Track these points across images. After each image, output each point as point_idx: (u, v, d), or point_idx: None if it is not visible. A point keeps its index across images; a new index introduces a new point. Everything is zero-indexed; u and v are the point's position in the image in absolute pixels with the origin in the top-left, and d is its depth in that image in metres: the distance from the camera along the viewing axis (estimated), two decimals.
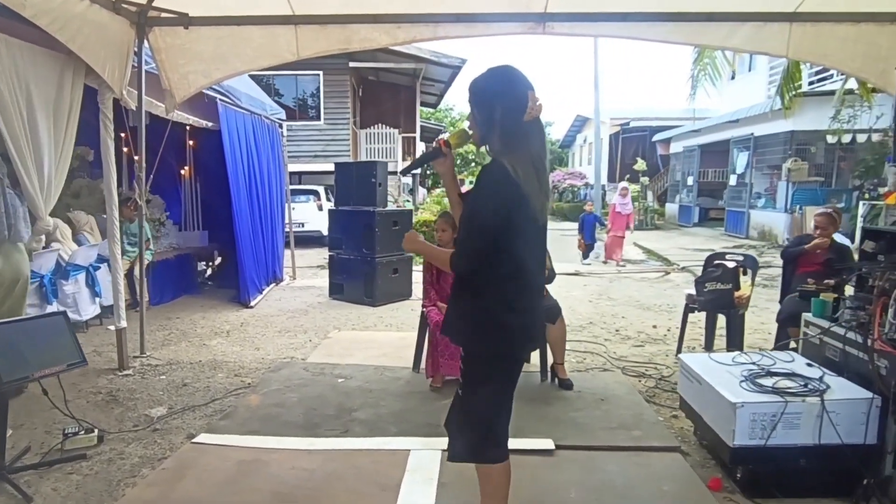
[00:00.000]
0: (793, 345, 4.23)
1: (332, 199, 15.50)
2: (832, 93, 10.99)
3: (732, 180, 15.15)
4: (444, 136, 2.25)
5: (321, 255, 11.84)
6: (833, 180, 12.85)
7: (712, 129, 15.81)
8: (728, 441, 2.62)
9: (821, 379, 2.76)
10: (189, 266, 7.94)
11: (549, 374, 4.20)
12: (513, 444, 3.03)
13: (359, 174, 7.34)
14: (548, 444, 3.11)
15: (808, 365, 2.99)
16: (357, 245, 7.13)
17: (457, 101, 40.11)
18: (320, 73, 16.22)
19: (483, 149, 2.09)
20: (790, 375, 2.83)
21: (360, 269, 7.05)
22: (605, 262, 10.75)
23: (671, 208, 19.68)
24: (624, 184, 12.20)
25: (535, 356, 4.50)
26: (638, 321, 6.07)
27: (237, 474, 2.85)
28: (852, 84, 9.67)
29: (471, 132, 2.05)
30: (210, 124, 6.75)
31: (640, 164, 20.43)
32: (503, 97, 1.91)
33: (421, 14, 4.75)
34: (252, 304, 6.86)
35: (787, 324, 4.23)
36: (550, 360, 4.19)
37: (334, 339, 5.36)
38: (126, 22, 4.36)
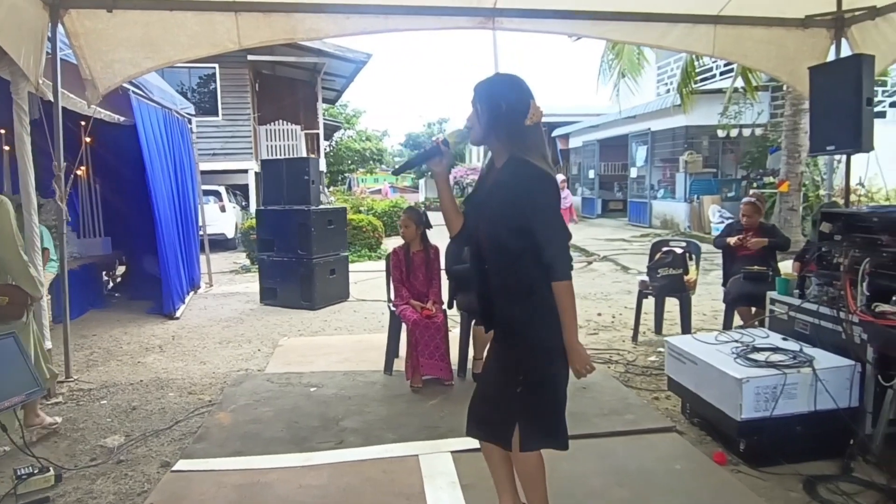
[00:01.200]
0: (738, 322, 4.62)
1: (235, 200, 14.91)
2: (721, 91, 12.09)
3: (633, 173, 16.22)
4: (442, 134, 2.19)
5: (228, 259, 11.16)
6: (720, 172, 14.13)
7: (611, 125, 16.79)
8: (735, 415, 2.77)
9: (801, 351, 2.99)
10: (93, 277, 7.13)
11: None
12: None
13: (290, 172, 6.96)
14: None
15: (784, 339, 3.23)
16: (291, 246, 6.76)
17: (352, 97, 39.48)
18: (216, 65, 15.22)
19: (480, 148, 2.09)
20: (775, 350, 3.04)
21: (296, 272, 6.70)
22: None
23: (574, 201, 20.64)
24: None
25: None
26: (581, 310, 6.22)
27: (241, 500, 2.58)
28: (739, 83, 10.71)
29: (469, 131, 2.05)
30: (122, 119, 6.09)
31: None
32: (508, 99, 1.97)
33: (371, 5, 4.58)
34: (177, 314, 6.29)
35: (736, 304, 4.57)
36: None
37: (286, 346, 5.04)
38: (40, 4, 3.81)
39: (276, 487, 2.69)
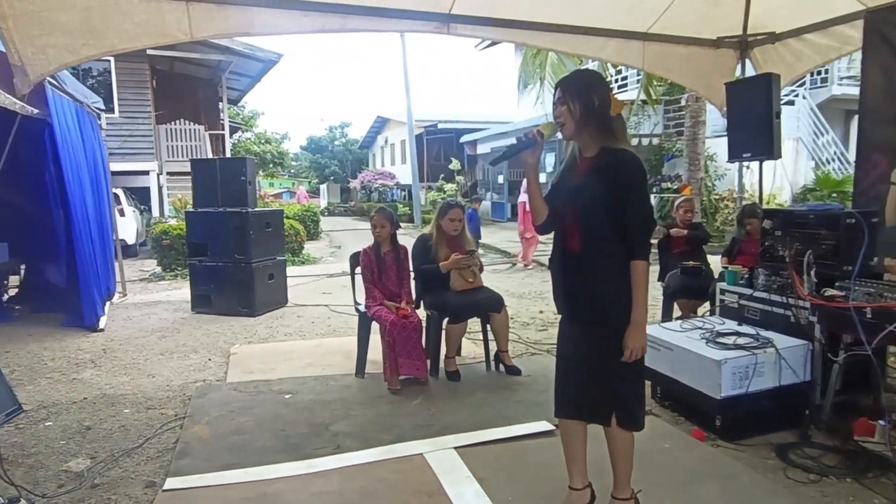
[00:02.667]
0: (678, 313, 5.03)
1: (134, 204, 13.79)
2: (624, 102, 13.00)
3: (542, 178, 16.93)
4: (537, 126, 2.28)
5: (132, 267, 10.34)
6: None
7: (518, 132, 17.38)
8: (715, 394, 3.05)
9: (759, 335, 3.35)
10: None
11: (493, 363, 4.34)
12: (513, 430, 3.18)
13: (224, 172, 6.61)
14: (545, 425, 3.24)
15: (740, 325, 3.60)
16: (226, 250, 6.43)
17: (249, 97, 37.91)
18: (111, 57, 14.03)
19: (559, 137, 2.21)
20: (738, 334, 3.38)
21: (233, 277, 6.38)
22: (525, 266, 10.06)
23: (483, 205, 21.21)
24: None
25: (477, 347, 4.63)
26: (523, 309, 6.53)
27: None
28: (642, 95, 11.60)
29: (562, 128, 2.16)
30: (36, 112, 5.48)
31: (455, 164, 21.63)
32: (599, 93, 2.11)
33: (331, 3, 4.50)
34: (101, 326, 5.76)
35: (676, 297, 4.98)
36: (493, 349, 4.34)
37: (241, 354, 4.80)
38: None
39: (286, 497, 2.59)
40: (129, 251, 12.25)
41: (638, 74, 12.56)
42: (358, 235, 16.99)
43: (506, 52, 24.89)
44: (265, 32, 4.61)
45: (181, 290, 7.83)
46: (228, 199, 6.52)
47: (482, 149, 21.94)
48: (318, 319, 6.09)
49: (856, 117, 4.76)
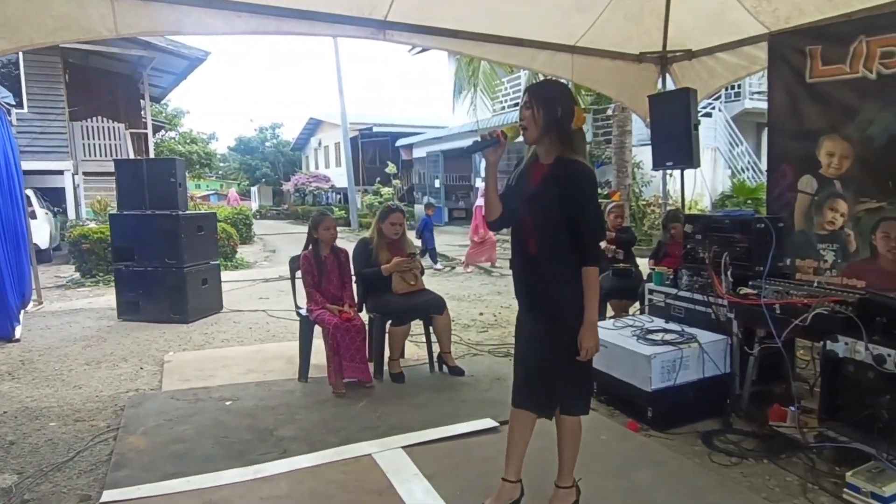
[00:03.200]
0: (610, 313, 5.29)
1: (47, 206, 12.92)
2: None
3: (478, 183, 17.25)
4: (501, 127, 2.39)
5: (46, 272, 9.69)
6: None
7: (454, 137, 17.68)
8: (646, 387, 3.26)
9: (683, 331, 3.61)
10: None
11: (436, 364, 4.42)
12: (458, 428, 3.28)
13: (151, 174, 6.35)
14: (489, 422, 3.35)
15: (667, 322, 3.85)
16: (156, 254, 6.19)
17: (173, 95, 36.29)
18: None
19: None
20: (665, 331, 3.62)
21: (164, 283, 6.14)
22: (466, 269, 10.01)
23: (420, 209, 21.28)
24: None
25: (420, 350, 4.68)
26: (464, 311, 6.64)
27: None
28: None
29: (524, 132, 2.29)
30: None
31: (392, 168, 21.60)
32: (563, 104, 2.24)
33: (264, 6, 4.44)
34: (17, 336, 5.41)
35: (609, 297, 5.23)
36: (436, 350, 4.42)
37: (176, 362, 4.64)
38: None
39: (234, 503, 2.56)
40: (42, 256, 11.44)
41: (567, 83, 13.06)
42: (293, 239, 16.65)
43: (440, 58, 25.19)
44: (195, 32, 4.48)
45: (105, 297, 7.45)
46: (157, 202, 6.27)
47: (418, 153, 22.05)
48: (256, 325, 5.96)
49: (766, 130, 5.17)
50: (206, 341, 5.37)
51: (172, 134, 34.80)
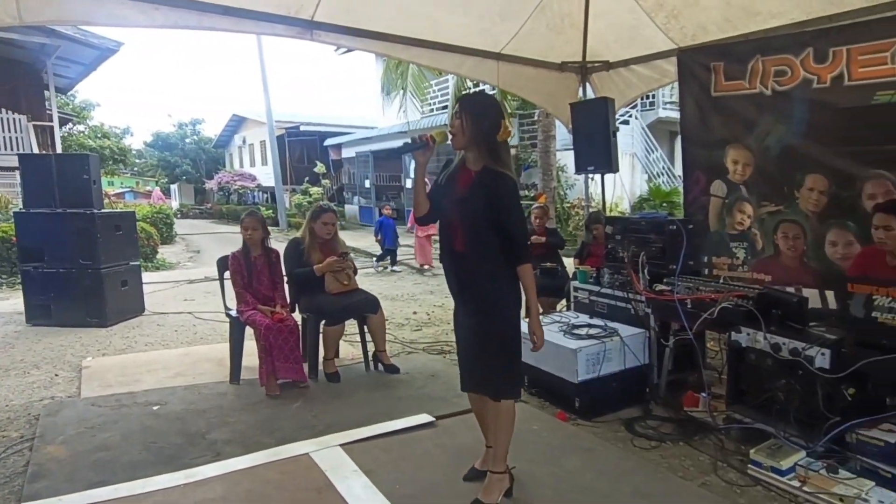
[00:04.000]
0: (539, 310, 5.50)
1: None
2: None
3: (408, 184, 17.27)
4: (432, 132, 2.49)
5: None
6: None
7: (384, 138, 17.64)
8: (573, 379, 3.45)
9: (606, 326, 3.83)
10: None
11: (371, 363, 4.45)
12: (395, 424, 3.36)
13: (62, 170, 6.00)
14: (426, 418, 3.43)
15: (591, 317, 4.07)
16: (69, 255, 5.86)
17: (82, 86, 33.99)
18: None
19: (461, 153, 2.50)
20: (589, 326, 3.83)
21: (79, 285, 5.83)
22: (422, 268, 9.86)
23: (351, 209, 21.09)
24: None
25: (355, 349, 4.69)
26: (397, 310, 6.70)
27: None
28: None
29: (452, 139, 2.43)
30: None
31: (320, 167, 21.25)
32: (490, 117, 2.40)
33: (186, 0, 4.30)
34: None
35: (537, 295, 5.44)
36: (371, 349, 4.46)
37: (96, 368, 4.42)
38: None
39: None
40: None
41: (493, 89, 13.40)
42: (218, 239, 16.11)
43: (367, 58, 25.03)
44: (109, 23, 4.27)
45: (10, 301, 6.96)
46: (69, 200, 5.94)
47: (347, 153, 21.82)
48: (183, 327, 5.76)
49: (679, 137, 5.56)
50: (127, 345, 5.14)
51: (81, 127, 32.59)
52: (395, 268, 10.23)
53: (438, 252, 2.63)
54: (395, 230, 10.39)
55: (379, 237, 10.32)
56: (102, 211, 6.14)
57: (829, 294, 3.89)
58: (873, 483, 2.47)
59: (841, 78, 3.83)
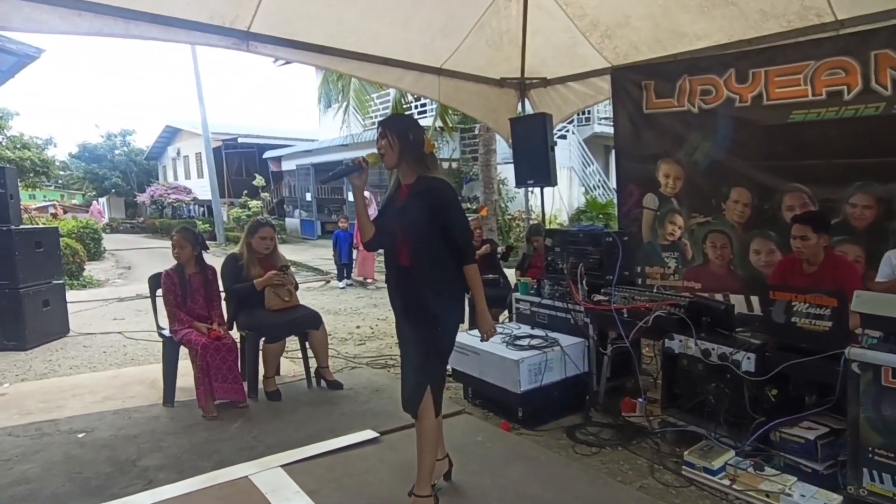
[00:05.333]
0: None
1: None
2: (426, 128, 13.82)
3: (350, 197, 17.12)
4: (363, 155, 2.51)
5: None
6: None
7: (326, 151, 17.45)
8: (515, 389, 3.49)
9: (547, 336, 3.91)
10: None
11: (313, 379, 4.36)
12: (338, 442, 3.32)
13: None
14: (369, 434, 3.39)
15: (533, 328, 4.15)
16: None
17: (4, 95, 31.94)
18: None
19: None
20: (531, 336, 3.90)
21: None
22: (364, 281, 9.74)
23: (292, 223, 20.68)
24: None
25: (297, 366, 4.59)
26: (340, 325, 6.60)
27: None
28: (439, 122, 12.48)
29: (383, 158, 2.49)
30: None
31: (259, 180, 20.75)
32: (414, 132, 2.51)
33: (111, 6, 4.12)
34: None
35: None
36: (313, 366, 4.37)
37: (14, 394, 4.14)
38: None
39: None
40: None
41: (433, 103, 13.52)
42: (151, 254, 15.43)
43: (307, 70, 24.74)
44: (27, 29, 4.02)
45: None
46: None
47: (287, 165, 21.42)
48: (112, 348, 5.47)
49: (613, 152, 5.77)
50: (50, 369, 4.83)
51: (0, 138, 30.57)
52: (345, 281, 9.92)
53: (385, 268, 2.62)
54: (351, 244, 10.03)
55: (336, 252, 9.94)
56: (21, 227, 5.78)
57: (754, 299, 4.13)
58: (795, 478, 2.62)
59: (760, 97, 4.11)
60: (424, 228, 2.41)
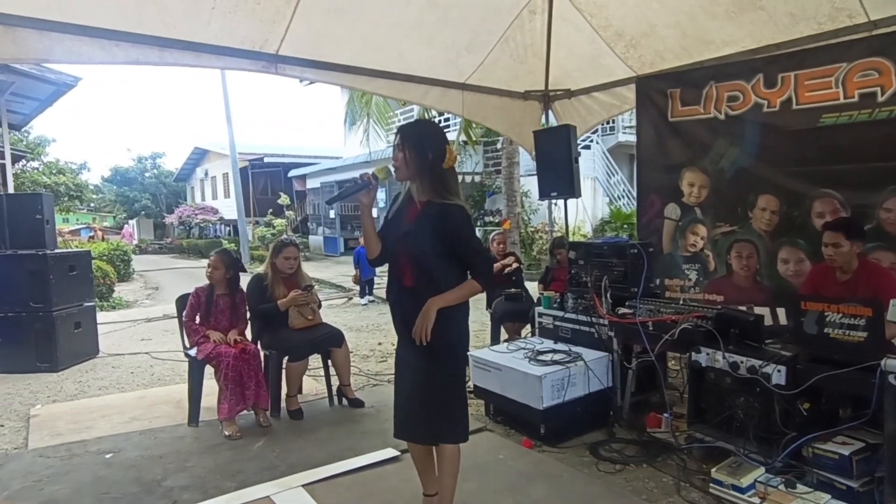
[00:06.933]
0: (505, 336, 5.51)
1: None
2: (450, 142, 13.89)
3: (374, 213, 17.24)
4: (371, 170, 2.43)
5: None
6: None
7: (349, 168, 17.64)
8: (538, 405, 3.44)
9: (570, 350, 3.85)
10: None
11: (335, 397, 4.37)
12: (360, 461, 3.30)
13: (13, 210, 5.77)
14: (391, 452, 3.36)
15: (555, 343, 4.09)
16: (19, 298, 5.60)
17: (42, 122, 33.08)
18: None
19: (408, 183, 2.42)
20: (554, 352, 3.85)
21: (28, 328, 5.57)
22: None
23: (315, 240, 20.92)
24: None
25: (319, 384, 4.60)
26: (363, 342, 6.61)
27: None
28: (463, 137, 12.54)
29: (395, 172, 2.37)
30: None
31: (284, 199, 21.07)
32: (434, 147, 2.33)
33: (147, 35, 4.26)
34: None
35: (503, 321, 5.46)
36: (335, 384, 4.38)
37: (45, 416, 4.21)
38: None
39: None
40: None
41: (456, 117, 13.58)
42: (178, 274, 15.73)
43: (332, 88, 25.10)
44: (68, 61, 4.19)
45: None
46: (20, 240, 5.72)
47: (312, 183, 21.73)
48: (139, 369, 5.56)
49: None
50: (80, 390, 4.93)
51: (36, 164, 31.68)
52: (369, 297, 9.90)
53: (387, 283, 2.52)
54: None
55: (358, 268, 9.80)
56: (55, 251, 5.94)
57: (781, 311, 4.00)
58: (829, 496, 2.51)
59: (789, 102, 4.01)
60: (430, 255, 2.29)
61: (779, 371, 2.78)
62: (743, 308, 3.94)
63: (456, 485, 2.47)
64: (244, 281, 4.26)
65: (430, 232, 2.28)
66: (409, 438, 2.50)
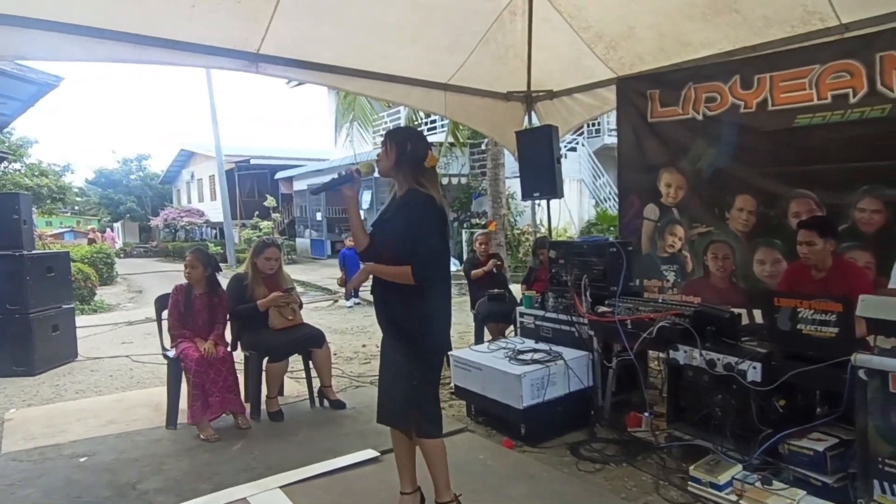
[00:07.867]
0: (489, 337, 5.50)
1: None
2: (433, 144, 13.89)
3: (362, 215, 17.18)
4: (356, 165, 2.47)
5: None
6: None
7: (335, 170, 17.47)
8: (518, 405, 3.43)
9: (552, 349, 3.85)
10: None
11: (316, 399, 4.34)
12: (338, 462, 3.28)
13: None
14: (370, 453, 3.35)
15: (536, 342, 4.09)
16: None
17: (23, 123, 32.71)
18: None
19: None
20: (535, 351, 3.85)
21: (4, 331, 5.51)
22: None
23: (302, 243, 20.81)
24: None
25: (300, 386, 4.58)
26: (346, 345, 6.58)
27: None
28: (450, 138, 12.54)
29: (378, 164, 2.45)
30: None
31: (271, 201, 20.95)
32: (412, 142, 2.45)
33: (127, 33, 4.22)
34: None
35: (486, 321, 5.45)
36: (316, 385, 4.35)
37: (19, 419, 4.15)
38: None
39: None
40: None
41: (443, 119, 13.60)
42: (162, 277, 15.56)
43: (319, 90, 25.04)
44: (47, 58, 4.16)
45: None
46: None
47: (298, 185, 21.61)
48: (119, 372, 5.49)
49: None
50: (56, 394, 4.85)
51: (18, 166, 31.24)
52: (355, 299, 9.76)
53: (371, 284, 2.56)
54: (358, 262, 9.82)
55: (344, 270, 9.65)
56: (33, 252, 5.86)
57: (757, 312, 4.03)
58: (804, 492, 2.53)
59: (765, 103, 4.05)
60: (399, 241, 2.34)
61: (754, 368, 2.80)
62: (720, 307, 3.96)
63: (448, 473, 2.50)
64: (223, 281, 4.22)
65: (400, 220, 2.37)
66: (388, 422, 2.57)
